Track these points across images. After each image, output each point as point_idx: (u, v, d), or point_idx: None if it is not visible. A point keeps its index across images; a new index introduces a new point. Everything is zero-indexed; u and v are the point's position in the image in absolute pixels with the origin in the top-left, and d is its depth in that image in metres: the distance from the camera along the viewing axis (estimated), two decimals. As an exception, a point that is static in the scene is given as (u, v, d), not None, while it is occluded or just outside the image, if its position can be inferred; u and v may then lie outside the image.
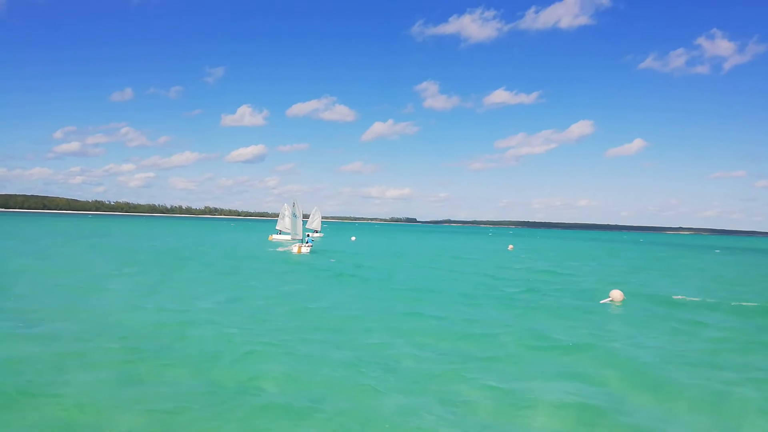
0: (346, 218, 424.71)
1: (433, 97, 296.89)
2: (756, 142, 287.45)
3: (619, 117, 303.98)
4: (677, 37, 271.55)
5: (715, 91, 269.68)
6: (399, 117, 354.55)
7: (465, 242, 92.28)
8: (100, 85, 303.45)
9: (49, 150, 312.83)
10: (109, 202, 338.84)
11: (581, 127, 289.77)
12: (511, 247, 72.17)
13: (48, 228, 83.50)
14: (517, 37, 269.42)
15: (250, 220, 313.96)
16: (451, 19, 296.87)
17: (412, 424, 8.25)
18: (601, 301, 21.83)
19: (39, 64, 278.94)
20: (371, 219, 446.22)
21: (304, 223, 57.53)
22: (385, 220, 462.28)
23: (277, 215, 73.55)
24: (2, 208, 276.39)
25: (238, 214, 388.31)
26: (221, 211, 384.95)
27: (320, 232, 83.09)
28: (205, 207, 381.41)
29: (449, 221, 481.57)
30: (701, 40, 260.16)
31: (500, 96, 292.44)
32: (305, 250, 45.04)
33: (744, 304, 22.01)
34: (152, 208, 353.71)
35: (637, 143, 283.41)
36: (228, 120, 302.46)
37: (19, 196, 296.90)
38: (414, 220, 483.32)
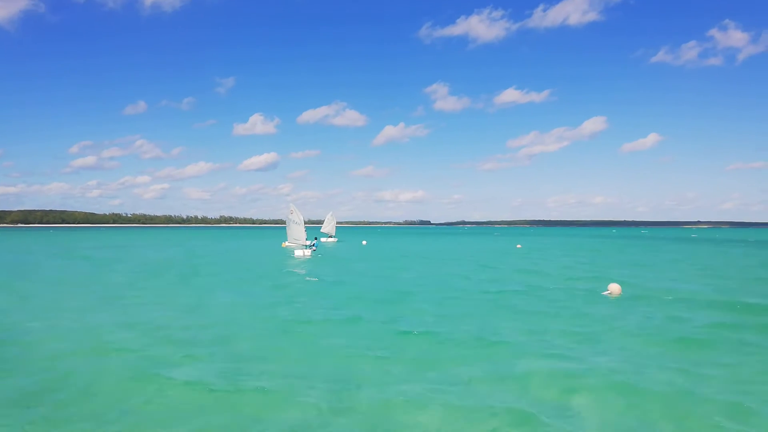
0: (360, 223, 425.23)
1: (444, 98, 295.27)
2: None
3: (632, 112, 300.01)
4: (689, 29, 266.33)
5: (729, 82, 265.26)
6: (410, 120, 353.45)
7: (472, 243, 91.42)
8: (114, 98, 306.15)
9: (66, 165, 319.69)
10: (126, 214, 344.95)
11: (594, 124, 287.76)
12: (519, 246, 72.44)
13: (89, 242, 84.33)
14: (526, 35, 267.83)
15: (265, 227, 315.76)
16: (458, 20, 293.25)
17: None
18: (602, 293, 22.40)
19: (52, 77, 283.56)
20: (385, 223, 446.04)
21: (308, 229, 57.62)
22: (399, 224, 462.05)
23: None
24: (22, 223, 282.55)
25: (253, 222, 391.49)
26: (236, 220, 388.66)
27: (334, 236, 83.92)
28: (220, 216, 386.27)
29: (463, 222, 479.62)
30: (713, 32, 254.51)
31: (511, 95, 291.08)
32: (307, 253, 47.14)
33: (741, 300, 21.09)
34: (168, 219, 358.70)
35: (652, 138, 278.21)
36: (240, 129, 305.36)
37: (38, 211, 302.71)
38: (428, 223, 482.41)
